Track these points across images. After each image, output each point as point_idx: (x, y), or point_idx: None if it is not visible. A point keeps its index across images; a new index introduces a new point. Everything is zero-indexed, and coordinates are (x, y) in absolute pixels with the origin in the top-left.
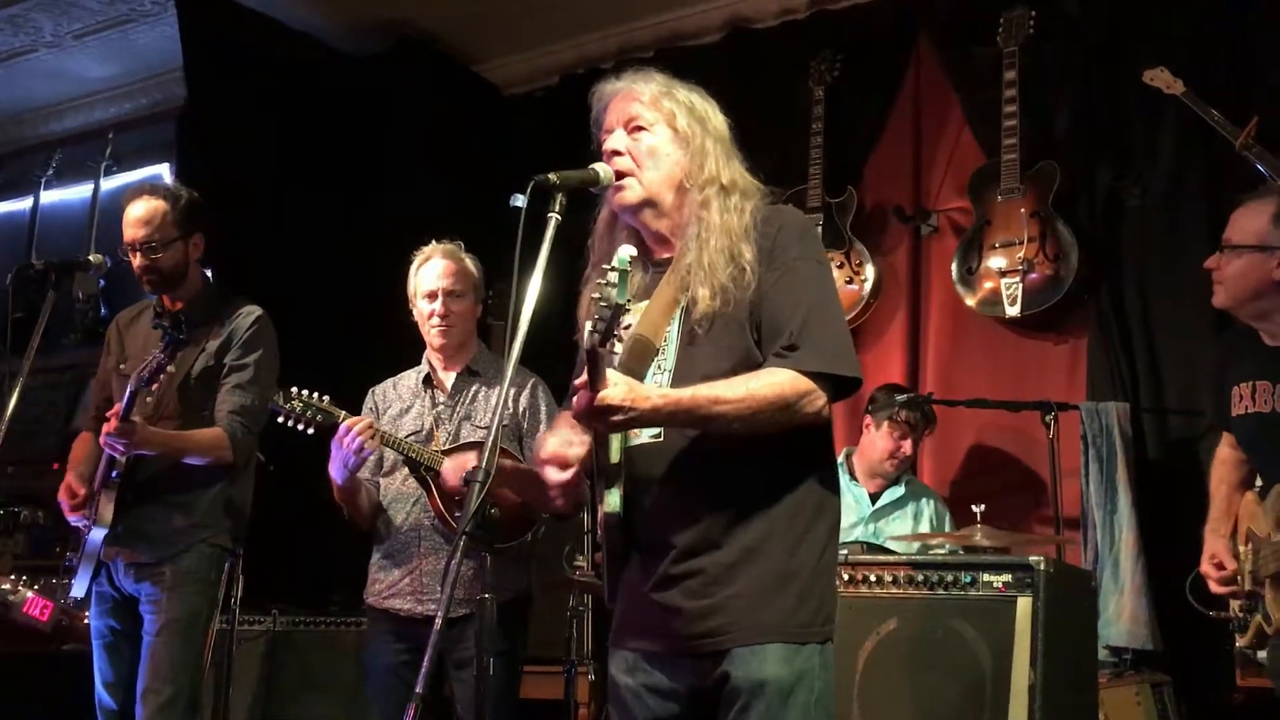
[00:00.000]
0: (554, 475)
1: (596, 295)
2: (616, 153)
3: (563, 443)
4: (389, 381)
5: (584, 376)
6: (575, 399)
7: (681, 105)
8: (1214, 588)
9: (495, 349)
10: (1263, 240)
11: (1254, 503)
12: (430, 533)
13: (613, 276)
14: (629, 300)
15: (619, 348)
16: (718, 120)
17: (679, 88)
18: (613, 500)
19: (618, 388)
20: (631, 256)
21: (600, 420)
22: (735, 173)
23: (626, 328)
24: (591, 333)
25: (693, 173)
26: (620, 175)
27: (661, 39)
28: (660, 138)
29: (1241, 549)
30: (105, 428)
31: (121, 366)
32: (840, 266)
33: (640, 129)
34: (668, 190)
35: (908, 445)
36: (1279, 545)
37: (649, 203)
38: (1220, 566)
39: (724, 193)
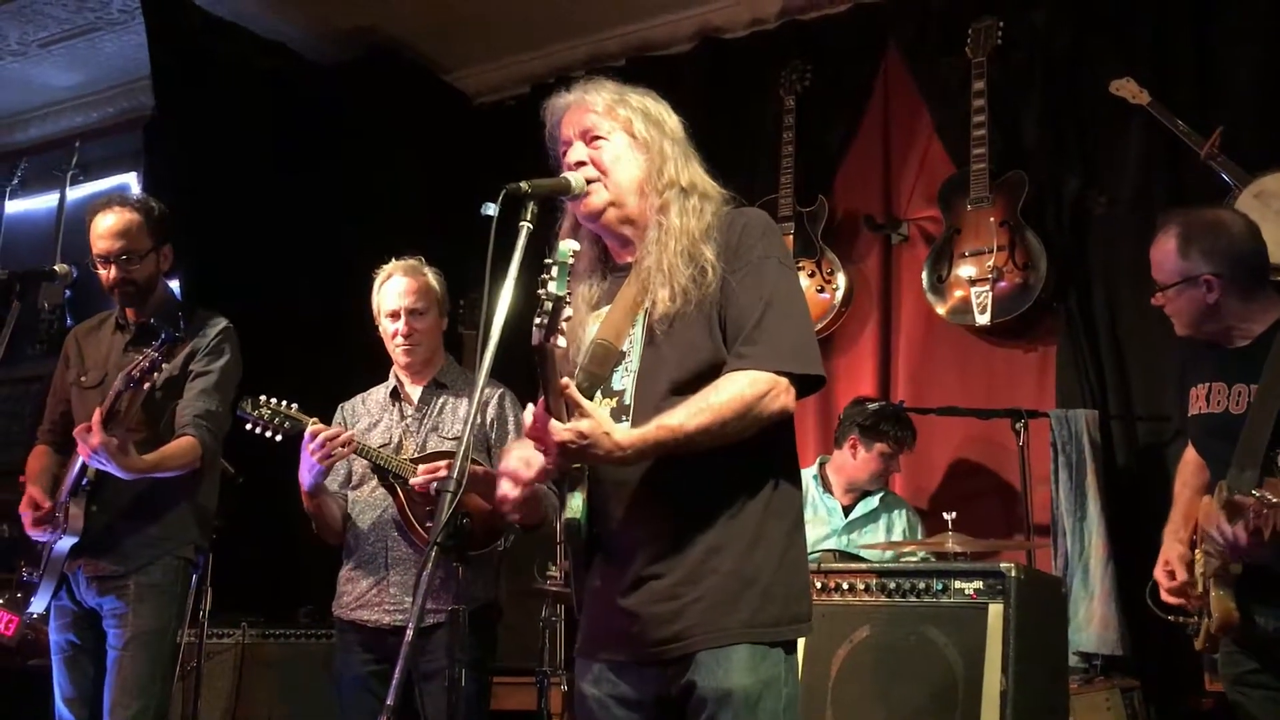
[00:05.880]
0: (504, 489)
1: (539, 290)
2: (580, 163)
3: (522, 461)
4: (358, 397)
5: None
6: (530, 420)
7: (636, 111)
8: (1165, 596)
9: (468, 359)
10: (1182, 273)
11: (1209, 504)
12: (398, 543)
13: (553, 270)
14: (568, 293)
15: (563, 341)
16: (673, 123)
17: (631, 94)
18: (575, 505)
19: (570, 428)
20: (574, 251)
21: (556, 454)
22: (694, 174)
23: (568, 319)
24: (537, 329)
25: (653, 176)
26: (587, 184)
27: (632, 48)
28: (619, 145)
29: (1197, 553)
30: (90, 440)
31: (82, 379)
32: (812, 275)
33: (598, 138)
34: (631, 195)
35: (896, 464)
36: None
37: (614, 205)
38: (1172, 575)
39: (684, 194)
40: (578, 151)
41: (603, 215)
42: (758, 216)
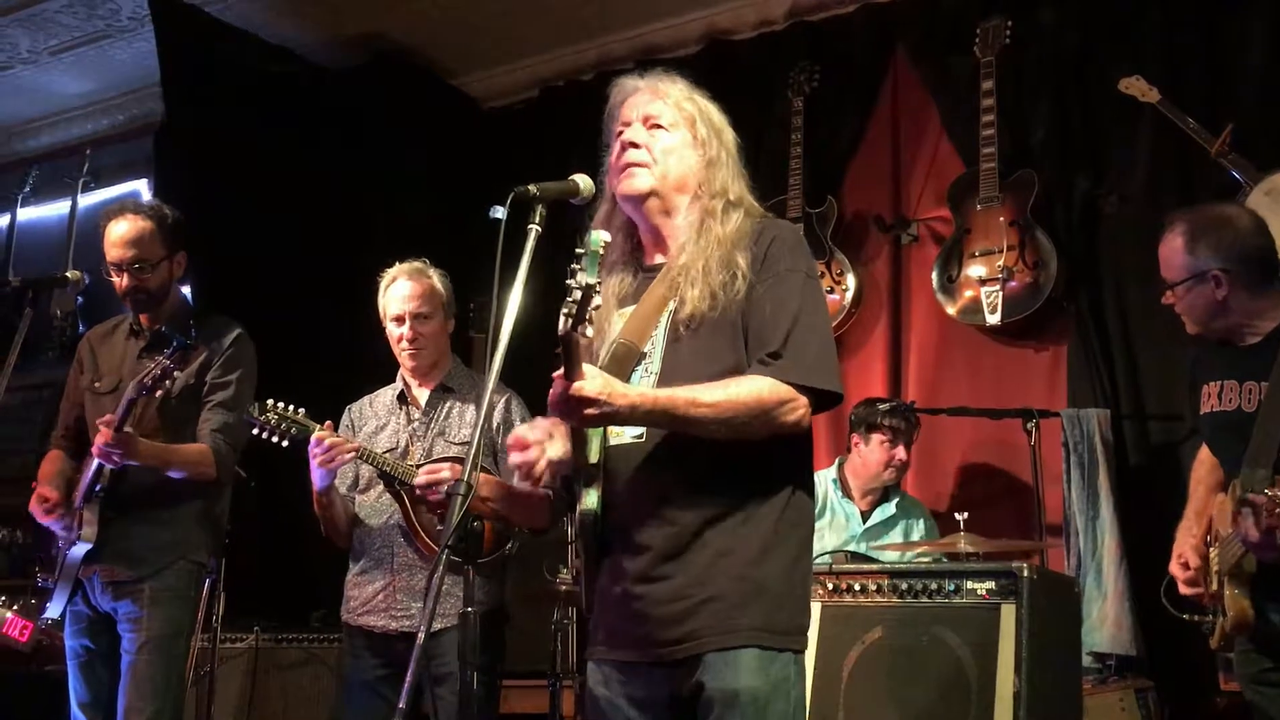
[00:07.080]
0: (515, 459)
1: (568, 279)
2: (634, 145)
3: (528, 430)
4: (365, 399)
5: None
6: (551, 389)
7: (702, 113)
8: (1182, 589)
9: (477, 363)
10: (1191, 270)
11: (1224, 502)
12: (403, 549)
13: (584, 260)
14: (599, 281)
15: (591, 331)
16: (730, 135)
17: (699, 96)
18: (590, 500)
19: (594, 380)
20: (605, 241)
21: (574, 413)
22: (741, 190)
23: (596, 308)
24: (565, 317)
25: (705, 181)
26: (631, 165)
27: (639, 51)
28: (678, 139)
29: (1211, 551)
30: (99, 438)
31: (96, 385)
32: (821, 276)
33: (659, 127)
34: (675, 190)
35: (901, 451)
36: (1234, 539)
37: (655, 195)
38: (1186, 566)
39: (730, 207)
40: (636, 132)
41: (644, 202)
42: (789, 230)
